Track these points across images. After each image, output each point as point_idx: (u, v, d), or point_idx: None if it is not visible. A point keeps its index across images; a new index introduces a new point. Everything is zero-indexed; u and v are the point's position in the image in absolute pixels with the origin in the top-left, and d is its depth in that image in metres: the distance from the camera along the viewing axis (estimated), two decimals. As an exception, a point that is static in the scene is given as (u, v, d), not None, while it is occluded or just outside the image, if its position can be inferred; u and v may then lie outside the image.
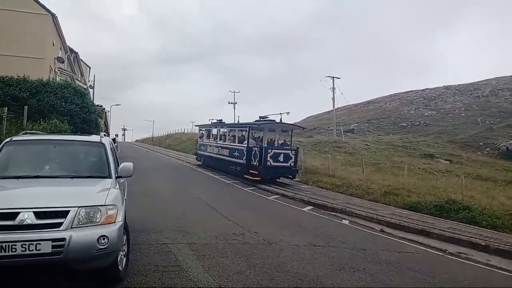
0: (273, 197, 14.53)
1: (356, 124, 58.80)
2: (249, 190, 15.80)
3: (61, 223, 3.97)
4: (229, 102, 57.72)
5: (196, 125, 34.05)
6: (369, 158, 30.46)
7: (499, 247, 8.98)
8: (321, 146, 37.93)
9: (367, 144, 40.17)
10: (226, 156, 21.19)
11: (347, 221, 11.28)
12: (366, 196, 15.51)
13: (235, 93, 57.60)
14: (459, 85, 72.46)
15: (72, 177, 5.01)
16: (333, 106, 47.62)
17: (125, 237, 4.83)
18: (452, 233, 10.07)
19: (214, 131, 24.92)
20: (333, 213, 12.13)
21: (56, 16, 25.12)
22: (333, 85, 46.10)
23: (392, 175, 21.56)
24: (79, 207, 4.10)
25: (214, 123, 25.52)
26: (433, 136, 47.97)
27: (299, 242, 7.85)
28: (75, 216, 4.04)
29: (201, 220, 9.19)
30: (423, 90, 74.51)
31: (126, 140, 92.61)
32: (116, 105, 63.63)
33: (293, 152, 18.24)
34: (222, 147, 22.15)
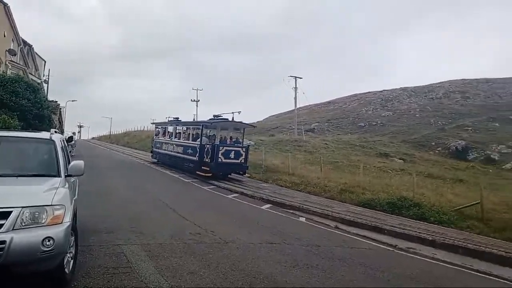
0: (232, 195, 14.56)
1: (317, 124, 60.01)
2: (208, 189, 15.73)
3: (1, 225, 3.78)
4: (191, 99, 57.19)
5: (152, 123, 33.49)
6: (327, 157, 31.20)
7: (444, 242, 9.52)
8: (282, 145, 38.37)
9: (326, 143, 41.12)
10: (180, 153, 21.48)
11: (304, 218, 11.51)
12: (323, 194, 15.90)
13: (198, 91, 57.19)
14: (414, 87, 75.75)
15: (18, 176, 4.79)
16: (295, 105, 48.40)
17: (73, 238, 4.66)
18: (403, 229, 10.54)
19: (170, 129, 25.09)
20: (291, 211, 12.33)
21: (9, 6, 23.68)
22: (295, 85, 46.89)
23: (349, 173, 22.22)
24: (22, 207, 3.92)
25: (170, 121, 25.67)
26: (389, 136, 49.87)
27: (255, 240, 7.92)
28: (18, 217, 3.86)
29: (157, 220, 9.04)
30: (381, 91, 77.26)
31: (82, 138, 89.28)
32: (72, 101, 61.45)
33: (244, 149, 18.93)
34: (177, 145, 22.37)
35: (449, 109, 60.55)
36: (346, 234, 9.94)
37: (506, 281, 7.41)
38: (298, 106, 50.33)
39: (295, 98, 47.10)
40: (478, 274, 7.72)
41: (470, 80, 75.77)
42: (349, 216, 11.69)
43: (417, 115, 59.63)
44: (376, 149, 40.70)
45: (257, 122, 70.40)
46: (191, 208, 11.13)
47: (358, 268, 6.82)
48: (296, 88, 46.83)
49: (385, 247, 9.09)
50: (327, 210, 12.27)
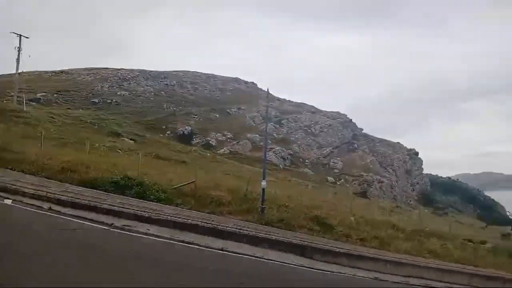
0: None
1: (44, 94, 52.98)
2: None
3: None
4: None
5: None
6: (52, 132, 28.17)
7: (159, 218, 10.32)
8: (-6, 113, 31.86)
9: (52, 117, 37.02)
10: None
11: (10, 200, 9.99)
12: (41, 173, 14.26)
13: None
14: (152, 71, 78.35)
15: None
16: (17, 69, 41.04)
17: None
18: (122, 207, 10.72)
19: None
20: (-7, 193, 10.41)
21: None
22: (20, 44, 39.66)
23: (75, 151, 20.81)
24: None
25: None
26: (123, 115, 49.91)
27: None
28: None
29: None
30: (119, 69, 75.79)
31: None
32: None
33: None
34: None
35: (181, 97, 66.33)
36: (61, 216, 9.26)
37: (206, 248, 8.74)
38: (21, 70, 42.94)
39: (18, 60, 39.96)
40: (183, 244, 8.76)
41: (200, 73, 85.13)
42: (66, 196, 10.92)
43: (152, 99, 62.27)
44: (108, 128, 39.87)
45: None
46: None
47: (68, 251, 6.50)
48: (19, 48, 39.72)
49: (100, 226, 8.98)
50: (42, 191, 11.03)
